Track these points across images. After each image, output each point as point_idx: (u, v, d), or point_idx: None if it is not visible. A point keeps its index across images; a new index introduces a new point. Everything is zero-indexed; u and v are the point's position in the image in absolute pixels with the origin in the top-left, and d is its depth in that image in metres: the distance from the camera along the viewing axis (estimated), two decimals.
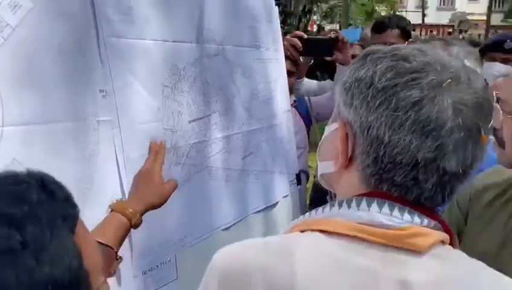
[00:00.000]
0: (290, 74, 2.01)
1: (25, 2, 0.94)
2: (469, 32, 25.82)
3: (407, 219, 0.63)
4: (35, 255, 0.47)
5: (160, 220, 1.23)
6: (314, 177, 2.64)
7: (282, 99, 1.83)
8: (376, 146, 0.63)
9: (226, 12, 1.50)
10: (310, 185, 2.70)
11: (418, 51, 0.65)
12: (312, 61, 2.44)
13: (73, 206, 0.56)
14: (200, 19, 1.39)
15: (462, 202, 1.18)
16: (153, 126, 1.22)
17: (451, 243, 0.68)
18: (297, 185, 1.96)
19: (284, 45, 1.90)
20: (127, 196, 1.13)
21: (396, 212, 0.63)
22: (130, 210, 1.04)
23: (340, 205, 0.67)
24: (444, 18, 32.31)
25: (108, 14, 1.10)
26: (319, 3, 19.31)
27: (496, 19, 25.98)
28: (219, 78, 1.46)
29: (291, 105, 2.03)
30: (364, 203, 0.65)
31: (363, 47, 2.82)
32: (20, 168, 0.57)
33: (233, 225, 1.53)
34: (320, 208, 0.69)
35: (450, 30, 26.26)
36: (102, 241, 0.90)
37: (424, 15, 23.83)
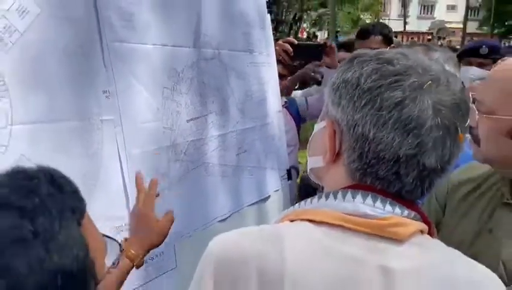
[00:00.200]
0: (281, 76, 2.01)
1: (33, 8, 0.94)
2: (447, 39, 25.97)
3: (388, 210, 0.64)
4: (45, 245, 0.47)
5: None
6: (304, 172, 2.65)
7: (274, 101, 1.83)
8: (361, 143, 0.63)
9: (222, 19, 1.50)
10: (299, 180, 2.71)
11: (401, 55, 0.65)
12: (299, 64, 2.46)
13: (81, 200, 0.56)
14: (198, 25, 1.38)
15: (440, 195, 1.19)
16: (153, 125, 1.21)
17: (430, 233, 0.69)
18: (288, 180, 1.96)
19: (276, 49, 1.90)
20: (128, 191, 1.13)
21: (378, 203, 0.64)
22: (133, 252, 1.00)
23: (327, 197, 0.67)
24: (424, 26, 32.46)
25: (111, 20, 1.10)
26: (308, 12, 19.34)
27: (472, 27, 26.12)
28: (215, 80, 1.46)
29: (283, 106, 2.03)
30: (349, 195, 0.65)
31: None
32: (28, 164, 0.56)
33: (229, 216, 1.53)
34: (308, 199, 0.69)
35: (430, 37, 26.38)
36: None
37: (405, 23, 23.91)
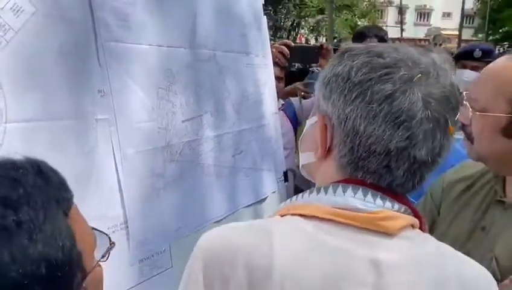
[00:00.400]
0: (278, 79, 2.00)
1: (28, 7, 0.93)
2: (443, 45, 26.05)
3: (379, 204, 0.63)
4: (29, 234, 0.46)
5: (156, 212, 1.22)
6: None
7: (270, 102, 1.82)
8: (352, 136, 0.63)
9: (218, 20, 1.49)
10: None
11: (391, 48, 0.65)
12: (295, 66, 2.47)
13: (68, 191, 0.55)
14: (193, 26, 1.38)
15: (435, 194, 1.18)
16: (148, 125, 1.20)
17: (421, 228, 0.68)
18: (285, 182, 1.95)
19: (272, 52, 1.90)
20: (123, 190, 1.12)
21: (369, 197, 0.63)
22: None
23: (318, 191, 0.66)
24: (420, 33, 32.62)
25: (107, 20, 1.09)
26: (306, 18, 19.42)
27: (467, 34, 26.25)
28: (211, 82, 1.45)
29: (280, 108, 2.03)
30: (340, 189, 0.64)
31: None
32: None
33: (225, 218, 1.51)
34: (300, 195, 0.69)
35: (426, 44, 26.47)
36: None
37: (402, 30, 24.01)
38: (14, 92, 0.90)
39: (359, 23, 21.76)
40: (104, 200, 1.07)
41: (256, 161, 1.70)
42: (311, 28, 20.77)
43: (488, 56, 2.27)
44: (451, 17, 34.72)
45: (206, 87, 1.43)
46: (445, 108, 0.62)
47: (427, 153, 0.61)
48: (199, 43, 1.40)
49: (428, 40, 28.92)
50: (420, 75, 0.62)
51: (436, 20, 36.24)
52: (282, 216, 0.66)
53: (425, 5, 37.58)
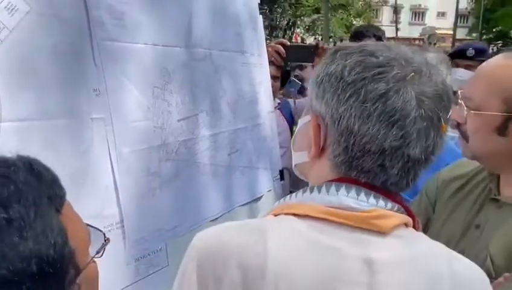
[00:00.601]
0: (274, 78, 2.00)
1: (22, 6, 0.92)
2: (437, 44, 26.12)
3: (372, 203, 0.63)
4: (19, 232, 0.45)
5: (152, 211, 1.21)
6: None
7: (266, 101, 1.82)
8: (346, 136, 0.62)
9: (214, 19, 1.48)
10: None
11: (384, 47, 0.64)
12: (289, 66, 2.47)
13: (60, 188, 0.54)
14: (189, 25, 1.37)
15: (430, 192, 1.18)
16: (143, 124, 1.20)
17: (414, 226, 0.67)
18: (281, 180, 1.95)
19: (268, 51, 1.89)
20: (119, 189, 1.11)
21: (362, 196, 0.63)
22: None
23: (311, 190, 0.66)
24: (415, 32, 32.68)
25: (102, 19, 1.08)
26: (302, 18, 19.40)
27: (461, 33, 26.32)
28: (206, 81, 1.45)
29: (276, 107, 2.02)
30: (333, 188, 0.64)
31: None
32: None
33: (221, 216, 1.51)
34: (293, 194, 0.68)
35: (421, 43, 26.53)
36: None
37: (397, 29, 24.05)
38: (9, 91, 0.89)
39: (354, 22, 21.77)
40: (100, 199, 1.06)
41: (252, 160, 1.70)
42: (307, 27, 20.77)
43: (481, 55, 2.28)
44: (446, 17, 34.84)
45: (202, 86, 1.42)
46: (438, 106, 0.62)
47: (421, 151, 0.61)
48: (195, 42, 1.39)
49: (423, 39, 28.99)
50: (413, 73, 0.61)
51: (430, 20, 36.35)
52: (275, 216, 0.66)
53: (420, 5, 37.70)
